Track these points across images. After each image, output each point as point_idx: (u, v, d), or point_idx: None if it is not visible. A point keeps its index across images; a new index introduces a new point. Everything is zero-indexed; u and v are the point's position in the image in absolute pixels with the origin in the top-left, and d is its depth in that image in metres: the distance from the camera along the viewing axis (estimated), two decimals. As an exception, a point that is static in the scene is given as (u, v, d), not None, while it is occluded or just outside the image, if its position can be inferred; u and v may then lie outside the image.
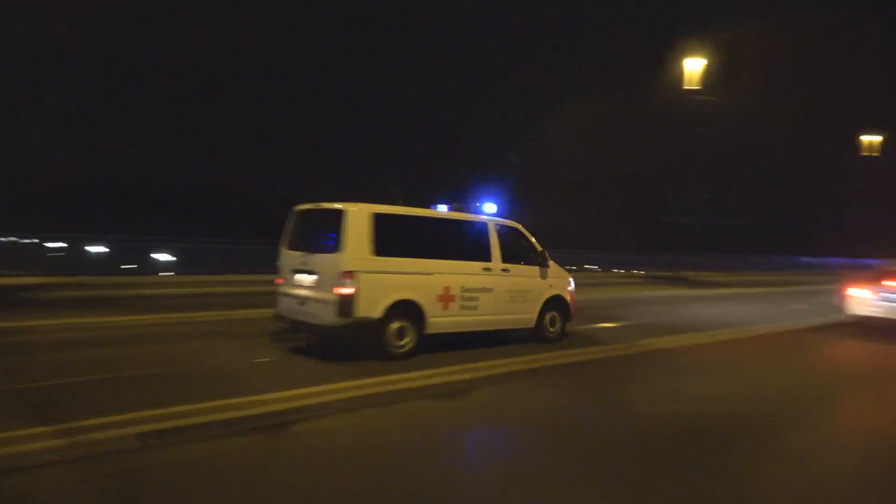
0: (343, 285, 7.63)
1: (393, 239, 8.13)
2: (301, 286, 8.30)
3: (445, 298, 8.55)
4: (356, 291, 7.66)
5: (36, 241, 24.40)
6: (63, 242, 23.98)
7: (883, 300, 13.34)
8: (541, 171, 38.10)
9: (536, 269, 9.91)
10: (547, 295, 9.97)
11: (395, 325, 8.04)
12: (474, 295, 8.92)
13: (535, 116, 38.73)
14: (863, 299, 13.69)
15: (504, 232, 9.63)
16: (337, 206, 8.01)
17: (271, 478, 4.35)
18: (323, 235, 8.17)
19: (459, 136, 36.87)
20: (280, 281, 8.81)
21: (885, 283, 13.73)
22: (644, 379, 8.22)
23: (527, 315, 9.76)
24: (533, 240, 10.00)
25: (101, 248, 23.87)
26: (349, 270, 7.66)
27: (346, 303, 7.63)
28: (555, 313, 10.08)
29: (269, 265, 9.90)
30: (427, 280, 8.43)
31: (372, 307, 7.81)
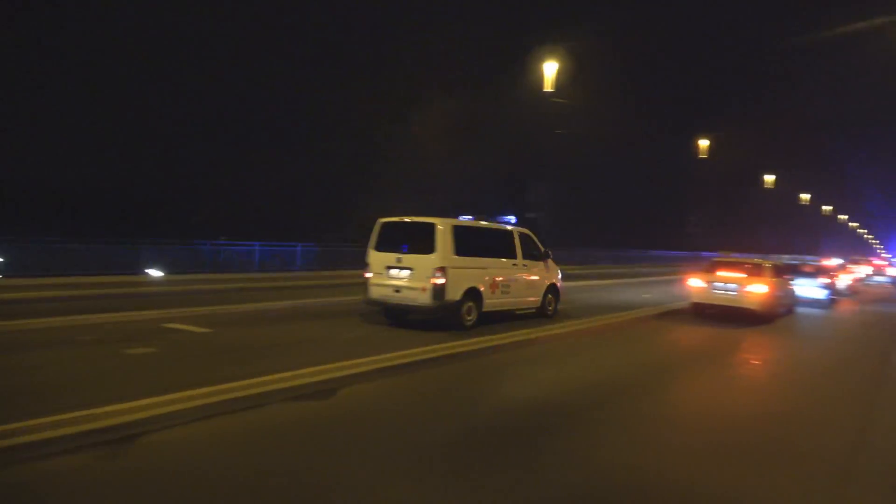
0: (437, 277, 10.45)
1: (464, 243, 10.95)
2: (397, 278, 10.86)
3: (493, 286, 11.54)
4: (445, 282, 10.48)
5: None
6: None
7: (715, 289, 14.76)
8: (402, 169, 38.05)
9: (542, 263, 13.05)
10: (547, 283, 13.11)
11: (466, 305, 10.92)
12: (508, 283, 11.97)
13: (399, 115, 38.51)
14: (699, 288, 15.07)
15: (523, 237, 12.67)
16: (428, 220, 10.87)
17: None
18: (415, 240, 10.82)
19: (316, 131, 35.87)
20: (370, 275, 11.21)
21: (717, 273, 15.20)
22: (511, 368, 8.47)
23: (536, 298, 12.84)
24: (538, 243, 13.06)
25: None
26: (441, 266, 10.49)
27: (438, 290, 10.47)
28: (551, 296, 13.22)
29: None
30: (483, 272, 11.40)
31: (454, 293, 10.68)
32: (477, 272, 11.23)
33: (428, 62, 39.86)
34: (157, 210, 31.35)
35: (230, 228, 30.61)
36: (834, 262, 31.60)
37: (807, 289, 19.28)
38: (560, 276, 13.69)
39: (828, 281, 20.51)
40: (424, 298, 10.55)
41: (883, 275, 37.61)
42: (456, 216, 12.13)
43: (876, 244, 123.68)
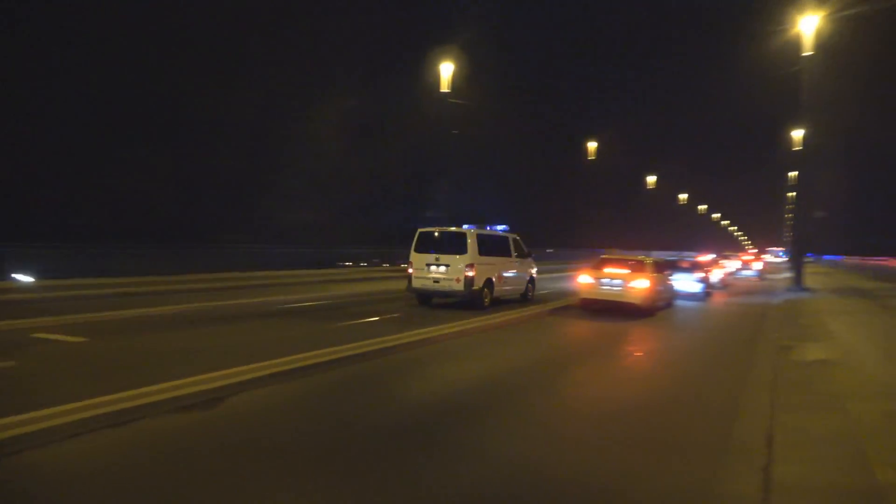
0: (468, 271, 14.23)
1: (483, 246, 14.83)
2: (436, 273, 14.51)
3: (499, 278, 15.41)
4: (474, 274, 14.28)
5: None
6: None
7: (602, 285, 15.39)
8: (297, 166, 36.95)
9: (526, 260, 17.20)
10: (528, 275, 17.24)
11: (485, 291, 14.73)
12: (506, 275, 15.86)
13: (298, 113, 37.36)
14: (588, 284, 15.65)
15: (514, 240, 16.73)
16: (458, 229, 14.86)
17: None
18: (449, 244, 14.58)
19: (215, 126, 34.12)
20: (412, 270, 14.78)
21: (604, 270, 15.84)
22: (412, 367, 8.38)
23: (522, 288, 16.93)
24: (523, 245, 17.05)
25: None
26: (471, 263, 14.28)
27: (469, 281, 14.24)
28: (530, 285, 17.38)
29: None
30: (494, 267, 15.23)
31: (479, 283, 14.50)
32: (491, 267, 15.08)
33: (327, 59, 39.09)
34: (29, 209, 28.74)
35: (118, 230, 28.64)
36: (708, 258, 33.89)
37: (684, 283, 20.52)
38: (535, 270, 17.66)
39: (702, 275, 21.93)
40: (458, 287, 14.27)
41: (750, 269, 40.72)
42: (459, 226, 15.36)
43: (744, 240, 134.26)
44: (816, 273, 45.39)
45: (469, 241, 14.39)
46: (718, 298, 22.48)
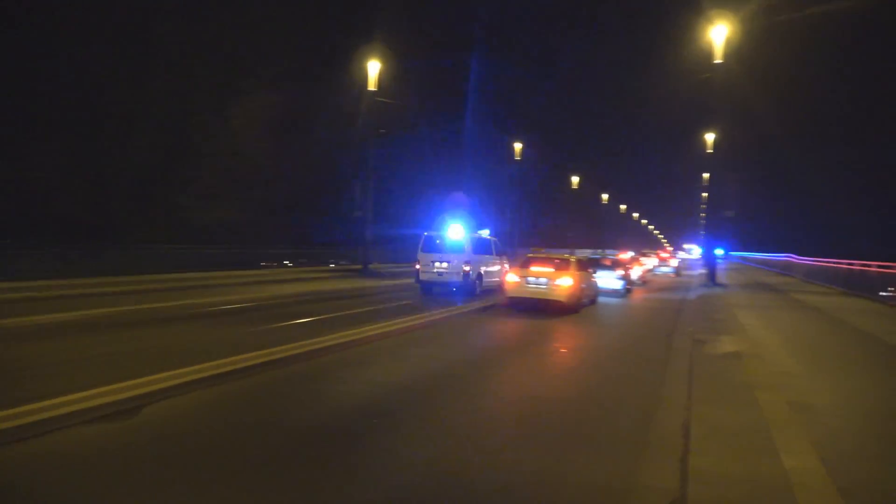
0: (466, 266, 18.19)
1: (475, 247, 18.95)
2: (439, 268, 18.36)
3: (486, 272, 19.36)
4: (469, 269, 18.24)
5: None
6: None
7: (528, 283, 15.70)
8: (219, 163, 35.61)
9: (503, 257, 21.20)
10: (504, 270, 19.83)
11: (477, 283, 18.70)
12: (490, 269, 19.70)
13: (218, 109, 36.01)
14: (514, 283, 15.93)
15: (495, 242, 21.09)
16: (457, 234, 18.70)
17: None
18: (450, 246, 18.55)
19: (132, 120, 32.42)
20: (419, 266, 18.71)
21: (530, 268, 16.17)
22: (337, 369, 8.26)
23: (500, 279, 19.02)
24: (500, 244, 21.63)
25: None
26: (467, 261, 18.30)
27: (466, 274, 18.14)
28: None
29: None
30: (481, 264, 19.08)
31: (473, 275, 18.47)
32: (480, 264, 19.05)
33: (252, 51, 37.91)
34: None
35: (17, 227, 26.78)
36: (629, 255, 35.20)
37: (606, 280, 21.22)
38: (508, 266, 20.27)
39: (623, 273, 22.75)
40: (458, 278, 18.16)
41: (667, 266, 42.58)
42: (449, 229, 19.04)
43: (662, 238, 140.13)
44: (728, 269, 47.99)
45: (465, 243, 18.64)
46: (638, 294, 23.37)
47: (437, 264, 18.41)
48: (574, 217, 72.07)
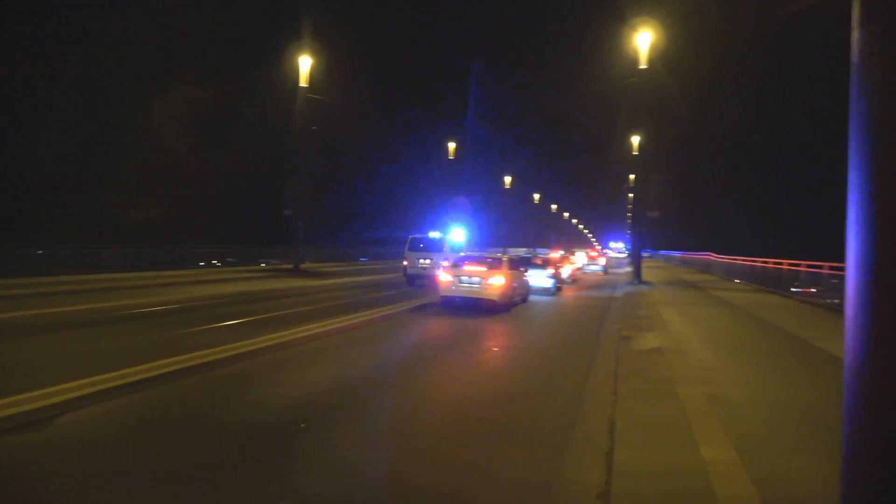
0: (443, 262, 20.06)
1: (451, 245, 23.80)
2: (423, 263, 22.48)
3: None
4: (448, 264, 18.47)
5: None
6: None
7: (461, 282, 15.82)
8: (137, 158, 34.10)
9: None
10: None
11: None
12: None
13: (140, 102, 34.42)
14: (447, 282, 16.02)
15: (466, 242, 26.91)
16: (439, 235, 24.40)
17: None
18: (433, 245, 23.30)
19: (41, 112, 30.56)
20: (406, 262, 23.07)
21: (463, 267, 16.30)
22: (263, 373, 8.08)
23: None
24: (463, 241, 26.44)
25: None
26: (446, 258, 21.07)
27: (444, 267, 18.20)
28: None
29: None
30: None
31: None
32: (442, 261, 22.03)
33: (173, 46, 36.48)
34: None
35: None
36: (559, 254, 36.02)
37: (538, 279, 21.63)
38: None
39: (553, 271, 23.25)
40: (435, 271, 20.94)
41: (596, 264, 43.83)
42: (437, 230, 24.21)
43: (591, 237, 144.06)
44: (653, 267, 49.84)
45: (445, 243, 23.42)
46: (568, 293, 23.94)
47: (421, 261, 22.70)
48: (508, 217, 73.15)
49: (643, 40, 25.06)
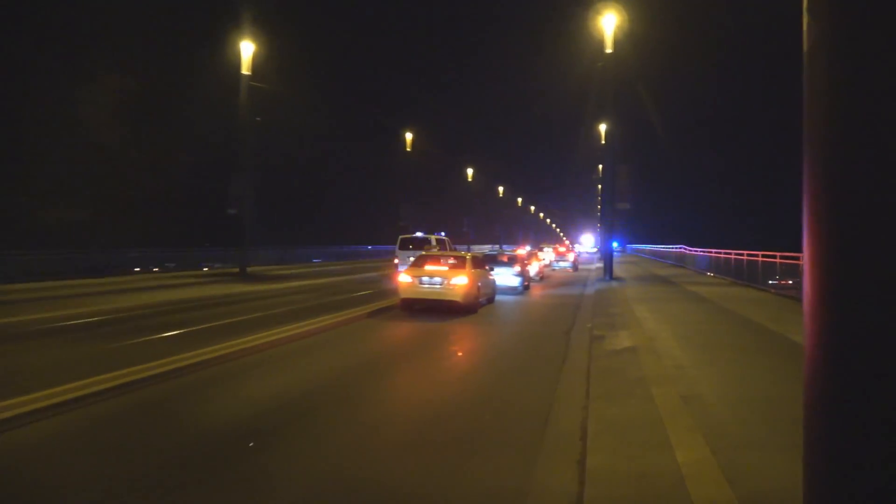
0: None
1: (437, 245, 27.10)
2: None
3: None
4: (410, 264, 18.94)
5: None
6: None
7: (422, 283, 15.83)
8: (60, 154, 32.94)
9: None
10: None
11: None
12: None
13: (61, 92, 33.19)
14: (408, 283, 16.00)
15: (448, 241, 29.24)
16: (428, 235, 28.53)
17: None
18: (420, 243, 26.50)
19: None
20: (397, 260, 26.06)
21: (424, 268, 16.30)
22: (212, 385, 7.96)
23: None
24: (450, 244, 29.55)
25: None
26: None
27: (405, 268, 18.86)
28: None
29: None
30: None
31: None
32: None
33: (100, 32, 35.43)
34: None
35: None
36: (526, 250, 36.32)
37: (504, 277, 21.79)
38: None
39: (521, 269, 23.45)
40: None
41: (565, 260, 44.33)
42: (420, 231, 27.33)
43: (559, 232, 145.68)
44: (625, 262, 50.70)
45: (433, 241, 26.83)
46: (537, 291, 24.19)
47: (410, 258, 23.79)
48: (472, 212, 73.41)
49: (608, 23, 25.47)
